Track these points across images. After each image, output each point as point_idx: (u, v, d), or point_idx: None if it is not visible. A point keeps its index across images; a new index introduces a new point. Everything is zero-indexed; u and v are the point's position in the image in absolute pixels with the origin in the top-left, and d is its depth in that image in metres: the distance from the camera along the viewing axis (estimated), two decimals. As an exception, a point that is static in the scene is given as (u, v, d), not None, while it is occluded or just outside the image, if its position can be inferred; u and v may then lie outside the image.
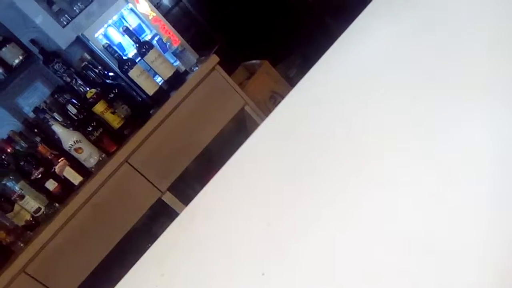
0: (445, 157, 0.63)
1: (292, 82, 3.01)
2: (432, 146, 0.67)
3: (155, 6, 2.74)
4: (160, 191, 2.47)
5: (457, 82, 0.75)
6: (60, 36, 2.53)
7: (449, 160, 0.62)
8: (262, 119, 1.28)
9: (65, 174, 2.37)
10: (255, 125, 1.24)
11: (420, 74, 0.86)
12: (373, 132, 0.80)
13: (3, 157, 2.40)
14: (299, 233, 0.72)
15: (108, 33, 2.62)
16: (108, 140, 2.48)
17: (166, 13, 2.79)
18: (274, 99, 2.90)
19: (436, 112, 0.73)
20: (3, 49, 2.53)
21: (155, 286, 0.93)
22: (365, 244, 0.61)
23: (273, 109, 1.19)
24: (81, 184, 2.39)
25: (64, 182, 2.39)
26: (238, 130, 2.72)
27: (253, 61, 3.15)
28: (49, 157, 2.38)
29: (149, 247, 1.07)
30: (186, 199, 2.44)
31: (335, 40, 1.22)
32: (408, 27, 1.02)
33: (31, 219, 2.34)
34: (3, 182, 2.30)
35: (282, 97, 1.22)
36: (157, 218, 2.51)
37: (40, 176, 2.35)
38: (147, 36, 2.70)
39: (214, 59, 2.54)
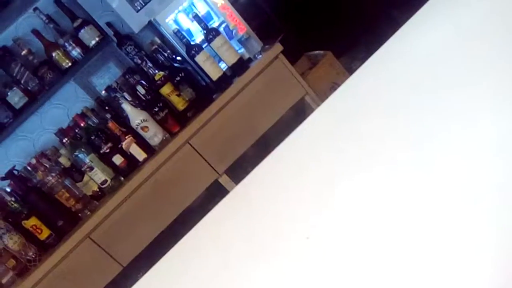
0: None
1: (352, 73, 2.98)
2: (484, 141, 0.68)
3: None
4: (218, 173, 2.56)
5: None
6: (134, 20, 2.66)
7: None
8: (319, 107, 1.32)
9: (131, 150, 2.52)
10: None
11: (478, 71, 0.86)
12: (430, 127, 0.81)
13: (76, 130, 2.59)
14: (347, 212, 0.76)
15: (178, 19, 2.73)
16: (172, 120, 2.60)
17: (233, 1, 2.86)
18: (335, 90, 2.90)
19: (492, 108, 0.73)
20: (82, 31, 2.70)
21: (205, 255, 1.00)
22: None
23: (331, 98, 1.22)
24: (145, 160, 2.54)
25: (129, 158, 2.54)
26: (297, 120, 2.75)
27: (317, 52, 3.16)
28: (118, 133, 2.54)
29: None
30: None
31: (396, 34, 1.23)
32: (469, 21, 1.02)
33: (98, 189, 2.51)
34: (76, 153, 2.48)
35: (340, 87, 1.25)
36: (213, 199, 2.60)
37: (108, 150, 2.52)
38: (214, 23, 2.78)
39: (277, 47, 2.59)
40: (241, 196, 1.13)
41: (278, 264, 0.78)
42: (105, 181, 2.50)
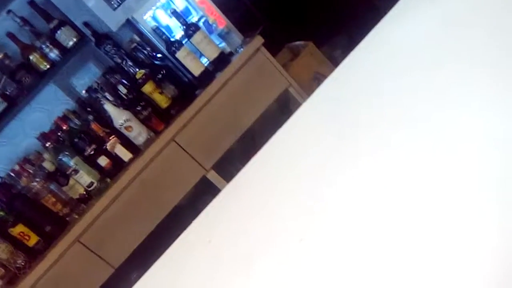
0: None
1: (337, 63, 2.99)
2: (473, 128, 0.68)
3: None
4: (205, 169, 2.55)
5: (505, 64, 0.75)
6: (111, 19, 2.61)
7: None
8: (306, 101, 1.32)
9: (116, 151, 2.50)
10: (299, 106, 1.28)
11: (464, 56, 0.86)
12: (421, 117, 0.80)
13: (59, 134, 2.55)
14: (341, 210, 0.76)
15: (156, 15, 2.69)
16: (156, 119, 2.58)
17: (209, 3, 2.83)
18: (318, 81, 2.90)
19: (476, 93, 0.73)
20: (59, 32, 2.65)
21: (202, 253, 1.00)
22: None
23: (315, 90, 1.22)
24: (131, 161, 2.51)
25: (115, 159, 2.52)
26: (282, 111, 2.75)
27: (298, 42, 3.16)
28: (101, 134, 2.51)
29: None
30: (229, 177, 2.50)
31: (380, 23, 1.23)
32: (453, 8, 1.02)
33: (84, 192, 2.48)
34: (59, 157, 2.45)
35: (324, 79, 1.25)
36: (201, 196, 2.60)
37: (93, 152, 2.49)
38: (193, 18, 2.75)
39: (258, 40, 2.57)
40: (231, 198, 1.13)
41: (271, 267, 0.77)
42: (91, 183, 2.47)
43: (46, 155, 2.54)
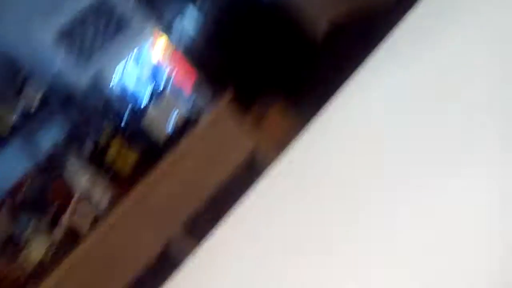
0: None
1: (306, 124, 3.03)
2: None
3: (170, 48, 2.81)
4: (169, 234, 2.46)
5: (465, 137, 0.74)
6: (79, 76, 2.62)
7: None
8: (273, 163, 1.31)
9: (77, 213, 2.40)
10: (267, 168, 1.27)
11: (420, 134, 0.85)
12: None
13: (18, 195, 2.44)
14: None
15: (125, 75, 2.70)
16: (120, 182, 2.51)
17: (179, 59, 2.87)
18: (286, 141, 2.92)
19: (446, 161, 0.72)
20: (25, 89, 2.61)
21: None
22: None
23: (284, 152, 1.21)
24: (93, 223, 2.40)
25: (76, 222, 2.40)
26: (249, 173, 2.72)
27: (267, 103, 3.19)
28: (63, 195, 2.41)
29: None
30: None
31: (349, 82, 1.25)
32: (422, 73, 1.03)
33: (39, 261, 2.33)
34: (18, 219, 2.33)
35: (294, 140, 1.24)
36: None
37: (53, 215, 2.38)
38: (161, 82, 2.77)
39: (226, 101, 2.60)
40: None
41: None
42: (48, 250, 2.33)
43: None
